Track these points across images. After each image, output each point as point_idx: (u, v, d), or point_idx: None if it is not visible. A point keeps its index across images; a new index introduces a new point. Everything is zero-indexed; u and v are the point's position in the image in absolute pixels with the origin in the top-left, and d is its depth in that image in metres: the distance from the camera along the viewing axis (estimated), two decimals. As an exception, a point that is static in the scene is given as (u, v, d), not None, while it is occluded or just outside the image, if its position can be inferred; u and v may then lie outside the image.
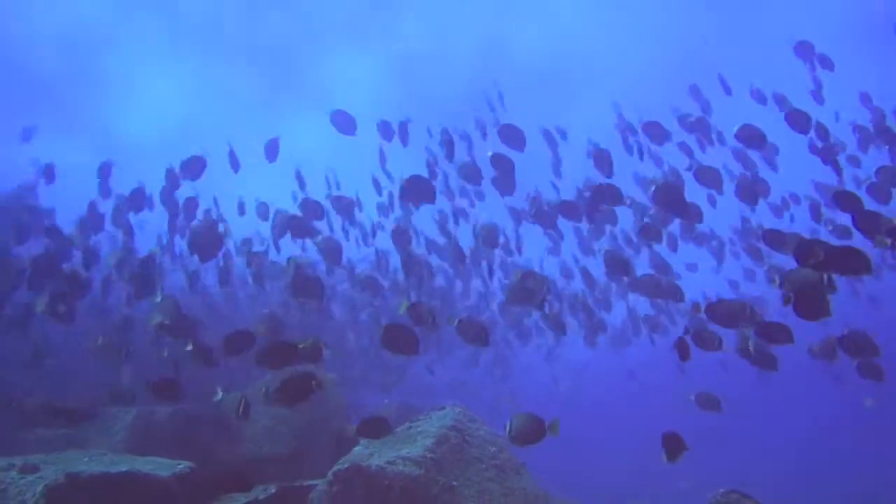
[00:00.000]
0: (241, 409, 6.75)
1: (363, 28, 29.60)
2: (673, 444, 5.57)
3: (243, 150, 36.97)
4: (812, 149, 8.13)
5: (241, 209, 9.91)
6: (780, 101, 9.12)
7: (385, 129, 8.55)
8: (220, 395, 6.69)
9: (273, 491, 6.67)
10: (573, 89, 31.99)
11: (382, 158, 9.19)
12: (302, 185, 9.73)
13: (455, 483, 6.41)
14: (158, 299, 7.43)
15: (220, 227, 7.49)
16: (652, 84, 30.05)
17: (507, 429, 5.62)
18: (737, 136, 8.11)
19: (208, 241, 7.41)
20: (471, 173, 8.05)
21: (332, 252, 8.11)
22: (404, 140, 8.39)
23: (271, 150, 9.48)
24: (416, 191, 7.34)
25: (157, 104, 32.07)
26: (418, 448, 6.62)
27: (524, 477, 6.98)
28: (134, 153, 32.60)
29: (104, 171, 8.63)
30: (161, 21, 28.81)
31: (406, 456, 6.46)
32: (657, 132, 9.31)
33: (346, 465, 6.33)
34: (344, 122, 8.42)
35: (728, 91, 9.38)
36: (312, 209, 8.44)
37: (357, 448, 6.99)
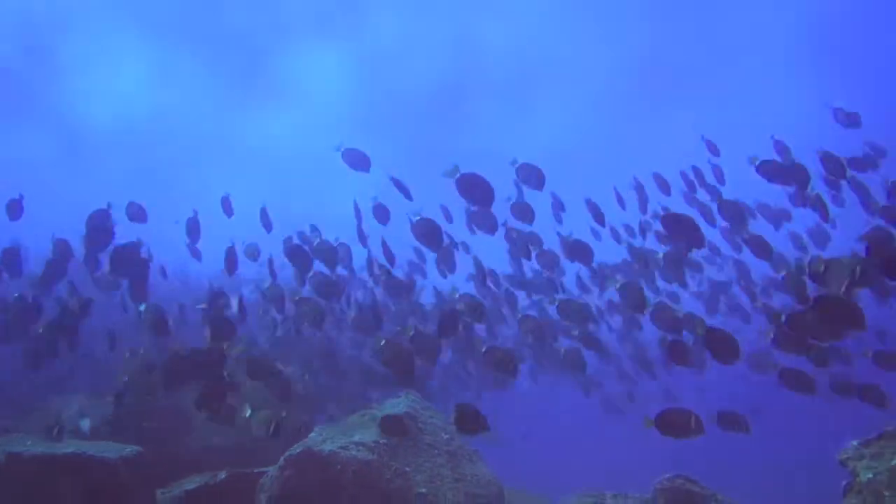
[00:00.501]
0: (272, 429, 6.49)
1: (331, 21, 29.34)
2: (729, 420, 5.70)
3: (209, 142, 36.10)
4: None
5: (228, 210, 9.50)
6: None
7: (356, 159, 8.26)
8: (248, 411, 6.52)
9: (223, 477, 6.63)
10: (540, 89, 32.06)
11: (359, 216, 8.85)
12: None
13: (408, 469, 6.43)
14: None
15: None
16: (617, 86, 30.37)
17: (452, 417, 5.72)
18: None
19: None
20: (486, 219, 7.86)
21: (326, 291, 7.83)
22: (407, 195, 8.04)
23: (226, 206, 9.26)
24: (430, 236, 7.16)
25: (121, 93, 31.29)
26: (372, 434, 6.64)
27: (477, 464, 7.04)
28: (96, 142, 31.87)
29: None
30: (123, 8, 28.19)
31: (359, 441, 6.47)
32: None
33: (298, 450, 6.31)
34: (357, 160, 8.21)
35: (716, 153, 9.28)
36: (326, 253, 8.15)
37: (312, 434, 6.97)
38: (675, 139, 31.04)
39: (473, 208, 7.71)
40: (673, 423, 5.24)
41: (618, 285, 7.12)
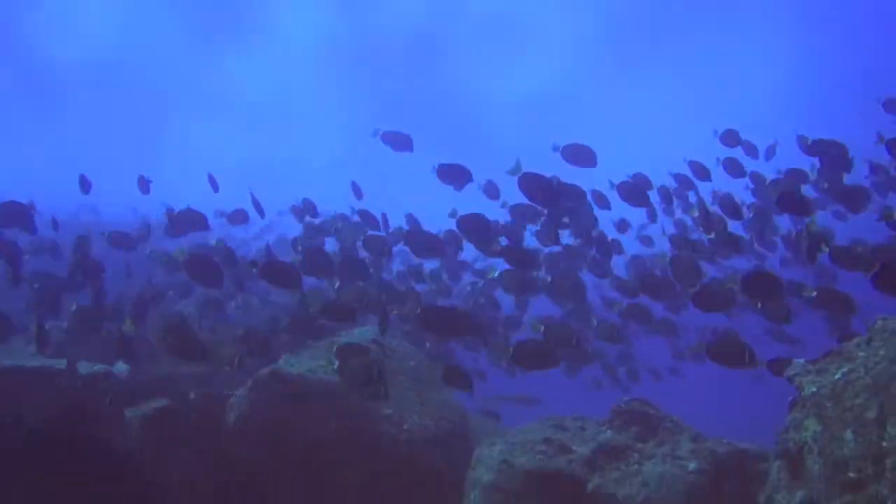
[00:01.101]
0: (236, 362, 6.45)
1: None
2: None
3: (184, 84, 34.61)
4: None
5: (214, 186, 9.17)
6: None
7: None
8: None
9: (192, 397, 6.72)
10: (521, 39, 31.43)
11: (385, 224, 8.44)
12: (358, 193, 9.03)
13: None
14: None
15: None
16: (600, 33, 29.75)
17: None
18: None
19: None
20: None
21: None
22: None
23: (212, 182, 8.99)
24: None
25: (88, 27, 30.06)
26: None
27: (442, 392, 7.19)
28: (62, 79, 30.71)
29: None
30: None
31: (325, 365, 6.58)
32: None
33: (266, 371, 6.41)
34: (398, 142, 7.90)
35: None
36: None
37: (280, 360, 7.06)
38: (658, 89, 30.79)
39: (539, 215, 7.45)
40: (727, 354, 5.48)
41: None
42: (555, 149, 7.61)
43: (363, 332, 7.42)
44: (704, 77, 29.95)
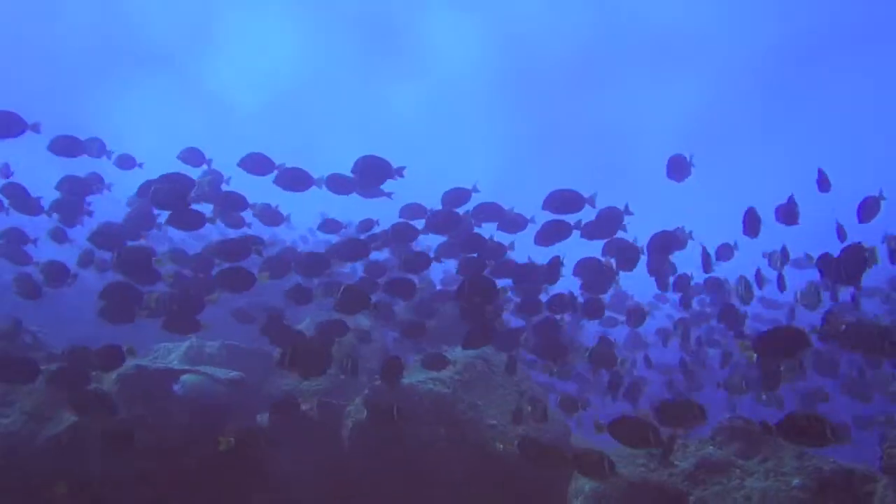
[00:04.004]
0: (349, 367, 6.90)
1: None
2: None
3: (343, 116, 35.18)
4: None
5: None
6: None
7: None
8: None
9: (314, 406, 7.33)
10: (678, 65, 30.22)
11: None
12: None
13: (479, 403, 6.97)
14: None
15: None
16: (767, 54, 28.31)
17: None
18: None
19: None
20: None
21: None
22: None
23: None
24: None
25: (267, 70, 32.09)
26: (448, 371, 7.19)
27: (545, 404, 7.48)
28: (242, 119, 32.74)
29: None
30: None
31: (436, 377, 7.03)
32: None
33: (380, 382, 6.93)
34: (678, 168, 7.30)
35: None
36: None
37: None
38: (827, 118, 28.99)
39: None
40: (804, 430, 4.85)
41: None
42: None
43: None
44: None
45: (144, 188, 6.82)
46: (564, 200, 7.10)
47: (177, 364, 7.29)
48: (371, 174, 7.15)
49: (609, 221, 7.13)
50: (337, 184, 7.29)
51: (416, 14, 30.27)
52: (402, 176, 7.26)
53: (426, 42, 31.41)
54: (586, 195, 7.20)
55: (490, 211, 7.51)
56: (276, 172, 7.12)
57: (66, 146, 7.11)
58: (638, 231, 7.32)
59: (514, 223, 7.60)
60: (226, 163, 7.57)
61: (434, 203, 7.90)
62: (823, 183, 6.86)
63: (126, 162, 7.72)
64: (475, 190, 7.80)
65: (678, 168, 7.23)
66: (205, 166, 7.69)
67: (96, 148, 7.38)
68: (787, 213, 6.64)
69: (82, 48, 28.84)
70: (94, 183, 7.36)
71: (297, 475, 7.05)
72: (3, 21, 27.72)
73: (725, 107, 30.76)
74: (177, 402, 6.25)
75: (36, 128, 6.69)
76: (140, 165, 7.76)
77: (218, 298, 6.54)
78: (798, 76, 28.63)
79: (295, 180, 7.17)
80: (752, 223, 6.57)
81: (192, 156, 7.64)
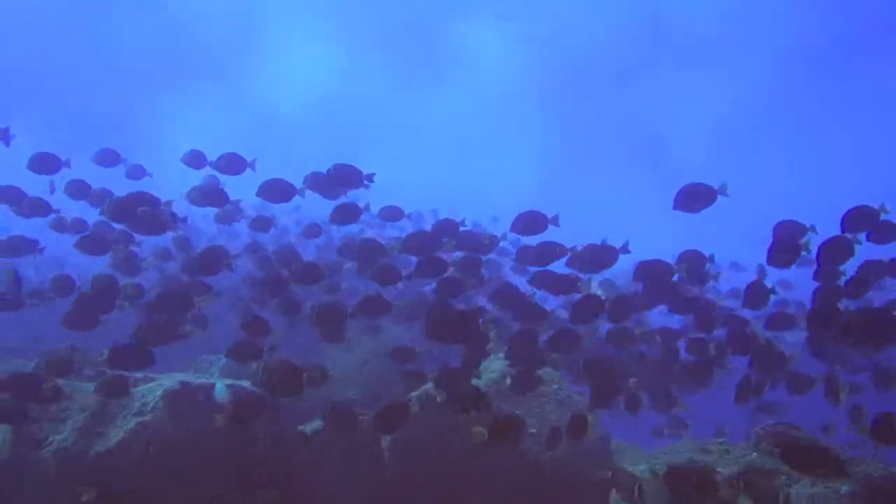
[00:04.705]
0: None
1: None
2: None
3: (384, 124, 35.71)
4: None
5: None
6: None
7: None
8: None
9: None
10: (714, 63, 29.74)
11: None
12: None
13: (518, 412, 6.98)
14: None
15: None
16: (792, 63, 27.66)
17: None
18: None
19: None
20: None
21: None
22: None
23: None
24: None
25: (309, 79, 32.75)
26: (485, 381, 7.22)
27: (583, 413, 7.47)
28: (285, 126, 33.46)
29: None
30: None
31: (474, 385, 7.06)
32: None
33: (423, 388, 7.02)
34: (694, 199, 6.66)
35: None
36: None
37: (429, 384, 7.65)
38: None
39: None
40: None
41: None
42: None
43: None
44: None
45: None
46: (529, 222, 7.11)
47: (217, 377, 7.43)
48: (343, 180, 7.31)
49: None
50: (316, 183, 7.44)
51: (453, 22, 30.53)
52: (371, 182, 7.39)
53: (463, 49, 31.64)
54: (550, 216, 7.22)
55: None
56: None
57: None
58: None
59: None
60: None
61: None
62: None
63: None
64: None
65: (694, 198, 6.68)
66: (207, 168, 7.91)
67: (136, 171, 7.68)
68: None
69: (137, 60, 29.71)
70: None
71: (340, 485, 7.14)
72: (62, 34, 28.65)
73: (764, 104, 30.23)
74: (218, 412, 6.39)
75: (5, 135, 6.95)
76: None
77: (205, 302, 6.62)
78: (840, 71, 28.06)
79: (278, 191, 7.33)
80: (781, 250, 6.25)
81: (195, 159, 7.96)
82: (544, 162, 35.08)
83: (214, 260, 6.49)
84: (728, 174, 7.26)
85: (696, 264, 6.89)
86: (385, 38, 31.43)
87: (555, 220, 7.26)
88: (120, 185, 7.66)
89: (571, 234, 8.21)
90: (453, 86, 33.15)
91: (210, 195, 7.54)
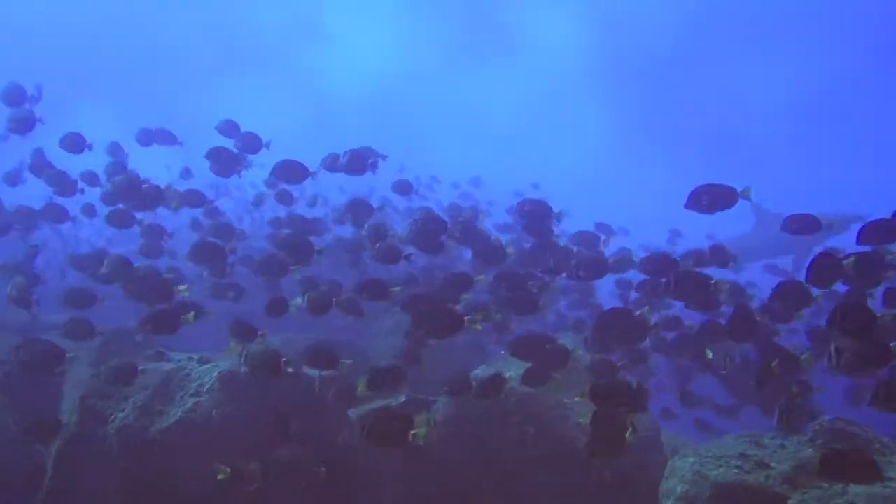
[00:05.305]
0: None
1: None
2: None
3: (446, 109, 35.65)
4: None
5: None
6: None
7: None
8: None
9: (402, 400, 7.51)
10: (788, 39, 28.41)
11: None
12: None
13: (566, 401, 6.96)
14: None
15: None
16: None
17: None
18: None
19: None
20: None
21: None
22: None
23: None
24: None
25: (369, 63, 33.05)
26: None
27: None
28: (341, 111, 33.67)
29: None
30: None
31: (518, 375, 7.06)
32: None
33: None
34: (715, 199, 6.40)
35: None
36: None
37: (476, 370, 7.68)
38: None
39: None
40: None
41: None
42: None
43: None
44: None
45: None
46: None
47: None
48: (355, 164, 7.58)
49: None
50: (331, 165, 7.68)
51: (517, 7, 30.06)
52: (382, 161, 7.83)
53: (528, 34, 31.26)
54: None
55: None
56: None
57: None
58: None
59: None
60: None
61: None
62: None
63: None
64: None
65: (713, 199, 6.39)
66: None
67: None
68: None
69: (200, 47, 30.43)
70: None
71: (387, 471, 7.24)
72: (128, 24, 29.66)
73: (835, 82, 28.70)
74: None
75: None
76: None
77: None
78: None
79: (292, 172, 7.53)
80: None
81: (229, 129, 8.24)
82: (602, 145, 34.37)
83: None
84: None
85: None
86: (445, 18, 31.27)
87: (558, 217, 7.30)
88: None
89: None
90: (514, 66, 32.75)
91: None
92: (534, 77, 33.18)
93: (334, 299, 6.93)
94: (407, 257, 7.26)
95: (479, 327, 6.18)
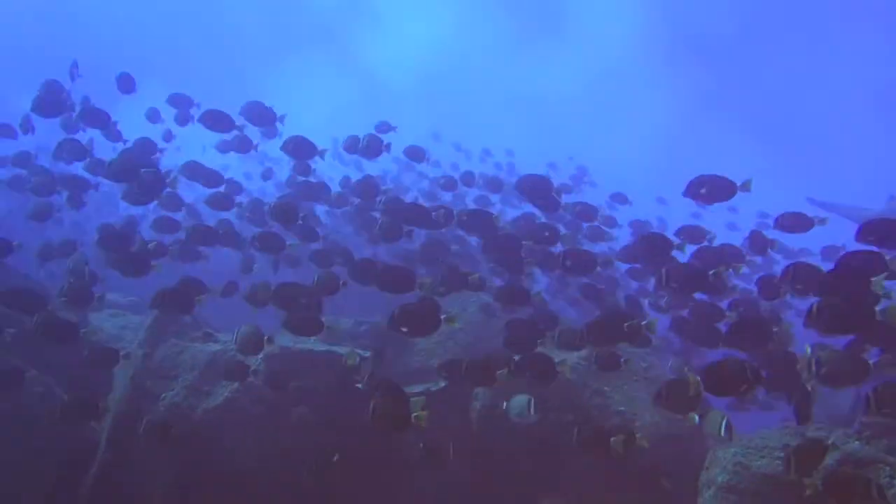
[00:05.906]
0: None
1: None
2: None
3: (497, 95, 34.63)
4: None
5: None
6: None
7: None
8: None
9: (443, 385, 7.58)
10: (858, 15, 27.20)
11: None
12: None
13: (606, 388, 6.98)
14: None
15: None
16: None
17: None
18: None
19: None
20: None
21: None
22: None
23: None
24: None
25: (420, 46, 33.01)
26: (574, 357, 7.21)
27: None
28: (396, 94, 33.09)
29: None
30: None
31: (559, 362, 7.07)
32: None
33: (507, 365, 7.07)
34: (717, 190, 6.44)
35: None
36: None
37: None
38: None
39: None
40: None
41: None
42: None
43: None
44: None
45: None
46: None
47: (314, 343, 7.73)
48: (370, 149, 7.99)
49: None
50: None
51: None
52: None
53: (583, 17, 30.55)
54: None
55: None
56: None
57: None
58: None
59: None
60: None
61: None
62: None
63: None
64: None
65: (713, 190, 6.36)
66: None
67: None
68: None
69: (255, 26, 30.77)
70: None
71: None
72: (184, 7, 30.34)
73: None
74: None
75: None
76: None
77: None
78: None
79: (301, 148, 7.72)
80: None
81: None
82: (664, 133, 33.35)
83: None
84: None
85: None
86: (502, 6, 30.70)
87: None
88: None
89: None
90: (572, 46, 32.01)
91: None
92: (595, 62, 32.32)
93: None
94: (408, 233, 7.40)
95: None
